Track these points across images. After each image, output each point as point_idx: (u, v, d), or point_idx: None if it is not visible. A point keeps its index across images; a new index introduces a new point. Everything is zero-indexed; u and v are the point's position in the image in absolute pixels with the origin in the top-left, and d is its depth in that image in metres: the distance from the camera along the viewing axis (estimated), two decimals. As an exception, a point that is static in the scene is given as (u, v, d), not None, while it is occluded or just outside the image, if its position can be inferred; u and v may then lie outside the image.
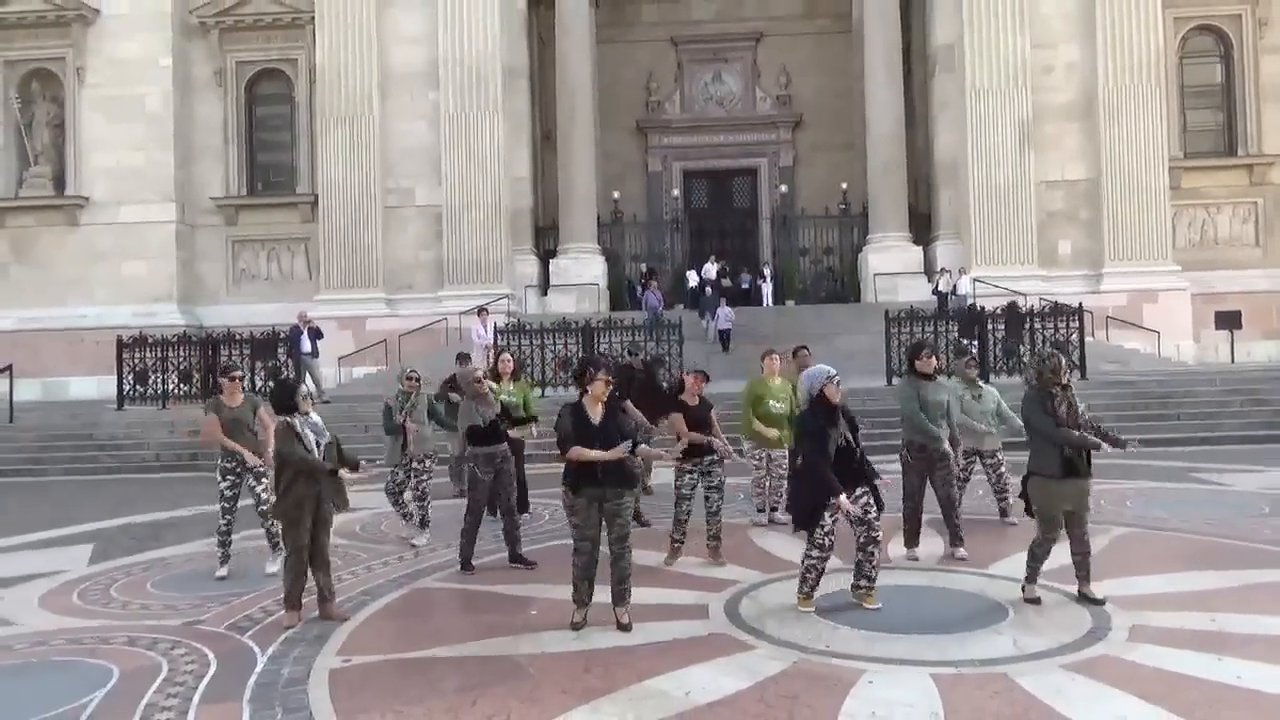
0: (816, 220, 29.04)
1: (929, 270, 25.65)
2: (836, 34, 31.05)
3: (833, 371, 6.21)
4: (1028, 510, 6.28)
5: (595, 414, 6.04)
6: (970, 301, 21.87)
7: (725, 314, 21.76)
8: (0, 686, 5.34)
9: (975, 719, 4.26)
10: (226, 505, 7.83)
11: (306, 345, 16.76)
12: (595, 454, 5.81)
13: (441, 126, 24.42)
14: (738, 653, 5.25)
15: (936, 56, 25.95)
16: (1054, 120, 24.71)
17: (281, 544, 6.79)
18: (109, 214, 25.00)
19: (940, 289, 22.99)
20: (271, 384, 14.37)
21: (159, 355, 17.11)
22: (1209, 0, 25.78)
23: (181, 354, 17.20)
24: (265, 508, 7.64)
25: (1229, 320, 25.27)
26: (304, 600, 6.34)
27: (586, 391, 6.14)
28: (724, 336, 21.57)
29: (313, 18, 24.67)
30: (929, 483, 7.64)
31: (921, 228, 27.08)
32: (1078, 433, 5.96)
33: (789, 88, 32.19)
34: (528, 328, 17.96)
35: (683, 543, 7.63)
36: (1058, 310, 17.16)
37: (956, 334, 16.11)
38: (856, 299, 26.16)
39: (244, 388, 8.28)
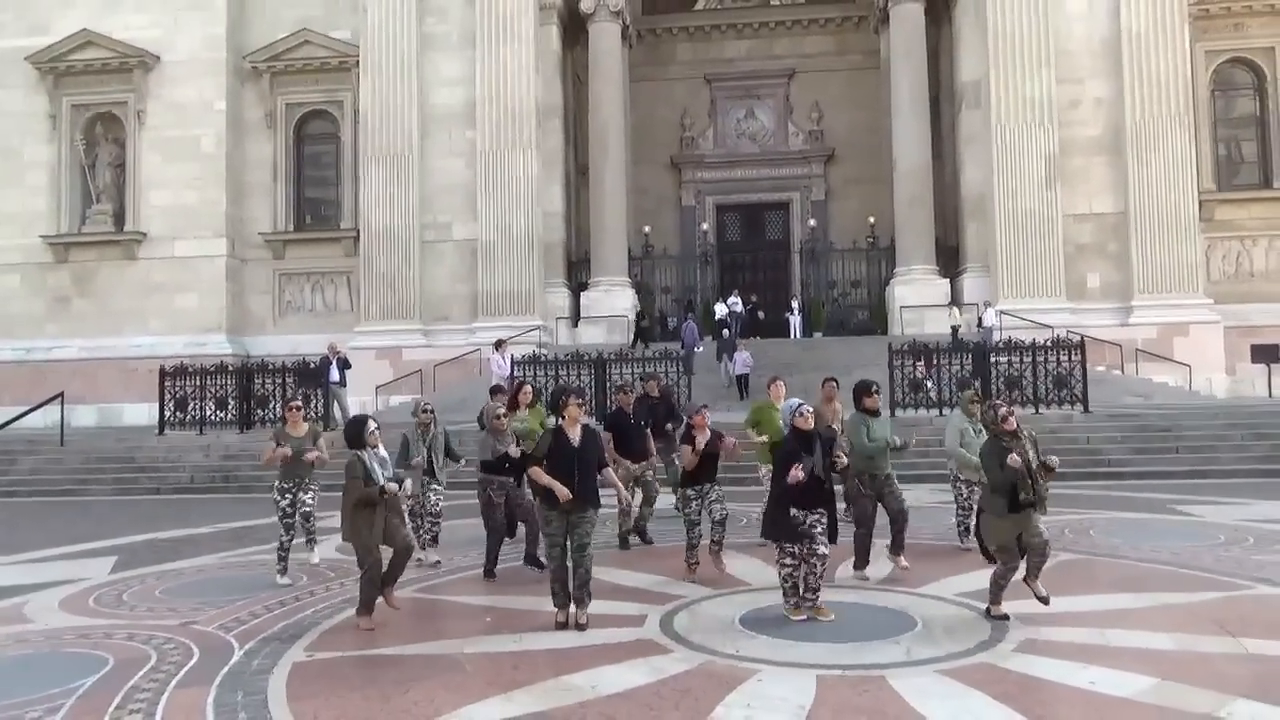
0: (845, 253, 29.41)
1: (956, 302, 25.86)
2: (868, 69, 31.55)
3: (800, 403, 6.84)
4: (984, 553, 6.64)
5: (574, 435, 6.76)
6: (997, 336, 22.03)
7: (743, 358, 21.07)
8: (10, 670, 6.06)
9: (837, 712, 4.70)
10: (288, 522, 8.59)
11: (335, 375, 17.60)
12: (548, 481, 6.52)
13: (478, 164, 25.40)
14: (655, 655, 5.74)
15: (963, 93, 26.30)
16: (1081, 154, 24.87)
17: (314, 539, 8.78)
18: (164, 249, 26.36)
19: (953, 324, 23.20)
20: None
21: (198, 384, 18.10)
22: (1241, 33, 25.75)
23: (219, 382, 18.17)
24: (308, 510, 8.72)
25: (1265, 353, 24.93)
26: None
27: (563, 417, 6.86)
28: (741, 382, 20.85)
29: (358, 61, 25.90)
30: (881, 508, 8.08)
31: (950, 261, 27.32)
32: (1022, 495, 6.23)
33: (821, 123, 32.74)
34: (542, 359, 18.63)
35: (698, 563, 8.15)
36: (1059, 344, 17.27)
37: (970, 369, 16.39)
38: (884, 331, 26.41)
39: (304, 417, 9.03)
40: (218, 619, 7.15)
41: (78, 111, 26.59)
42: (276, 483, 8.70)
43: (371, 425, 7.22)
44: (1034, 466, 6.29)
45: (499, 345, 20.30)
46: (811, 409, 6.87)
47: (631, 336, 23.72)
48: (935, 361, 16.71)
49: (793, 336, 27.45)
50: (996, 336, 21.74)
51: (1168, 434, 15.42)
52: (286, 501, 8.59)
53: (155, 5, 26.51)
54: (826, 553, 6.52)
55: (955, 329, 23.05)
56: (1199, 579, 7.41)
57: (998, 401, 7.13)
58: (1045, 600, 6.23)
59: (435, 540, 9.35)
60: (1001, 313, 23.76)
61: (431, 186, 25.75)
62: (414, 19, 25.59)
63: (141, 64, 26.32)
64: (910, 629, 6.12)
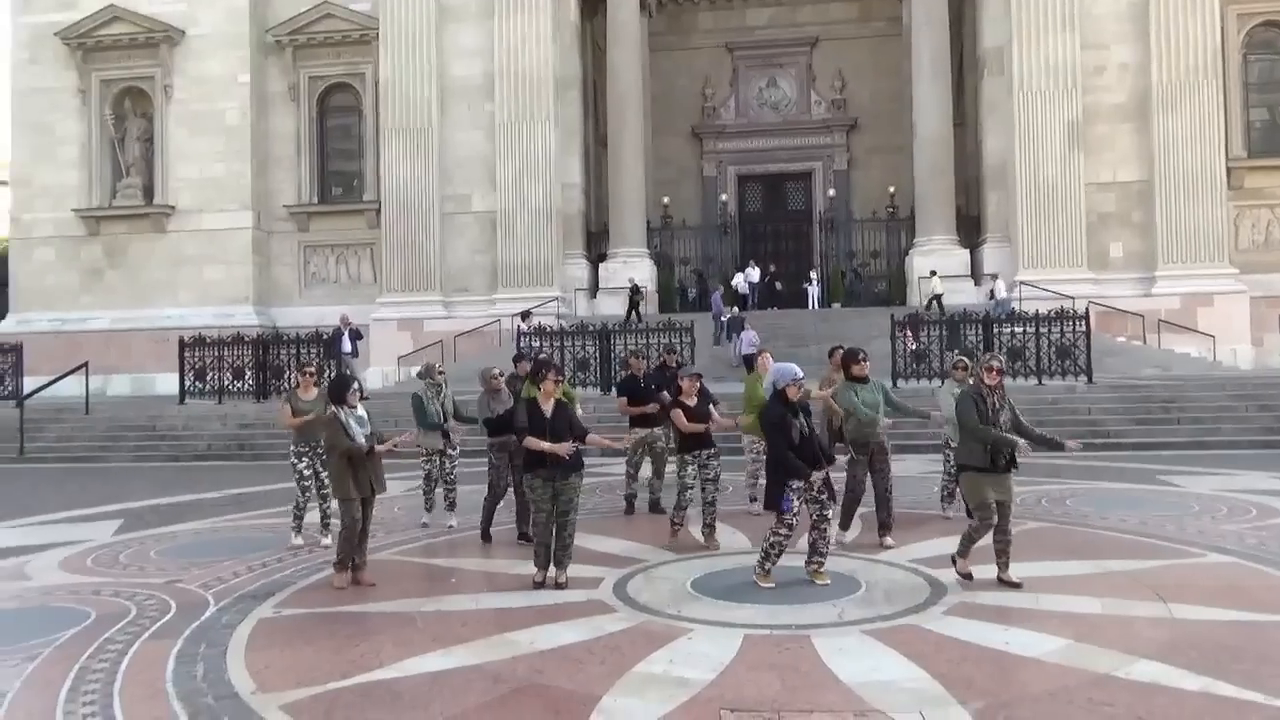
0: (865, 224, 29.26)
1: (976, 273, 25.69)
2: (892, 37, 31.18)
3: (800, 374, 6.81)
4: (969, 512, 6.77)
5: (547, 409, 6.99)
6: (1011, 307, 21.86)
7: (749, 338, 20.44)
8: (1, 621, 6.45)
9: (751, 667, 4.90)
10: (305, 485, 8.81)
11: (347, 345, 17.98)
12: (545, 445, 6.75)
13: (496, 135, 25.57)
14: (599, 615, 5.96)
15: (985, 60, 25.94)
16: (1105, 121, 24.50)
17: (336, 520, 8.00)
18: (193, 221, 26.93)
19: (935, 291, 23.25)
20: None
21: (216, 355, 18.60)
22: (1273, -4, 25.09)
23: (236, 353, 18.66)
24: (328, 490, 8.65)
25: (1294, 324, 24.51)
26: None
27: (539, 389, 7.13)
28: (748, 361, 20.05)
29: (378, 34, 26.10)
30: (870, 476, 8.20)
31: (971, 230, 27.08)
32: (996, 431, 6.40)
33: (844, 91, 32.47)
34: (548, 330, 18.87)
35: (681, 525, 8.35)
36: (1062, 314, 17.14)
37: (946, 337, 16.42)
38: (903, 302, 26.29)
39: (315, 383, 9.16)
40: (201, 578, 7.50)
41: (106, 86, 27.12)
42: (292, 446, 8.93)
43: (354, 385, 7.54)
44: (1005, 425, 6.40)
45: (525, 316, 20.54)
46: (803, 380, 6.85)
47: (626, 310, 23.68)
48: (920, 331, 16.66)
49: (811, 308, 27.42)
50: (1015, 307, 21.56)
51: (1170, 405, 15.31)
52: (304, 464, 8.81)
53: (180, -20, 26.88)
54: (831, 515, 6.67)
55: (938, 297, 22.93)
56: (1154, 547, 7.49)
57: (990, 355, 7.18)
58: (1018, 586, 6.29)
59: (453, 506, 9.63)
60: (1022, 283, 23.59)
61: (451, 159, 25.98)
62: (432, -10, 25.69)
63: (167, 39, 26.75)
64: (853, 592, 6.28)
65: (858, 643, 5.23)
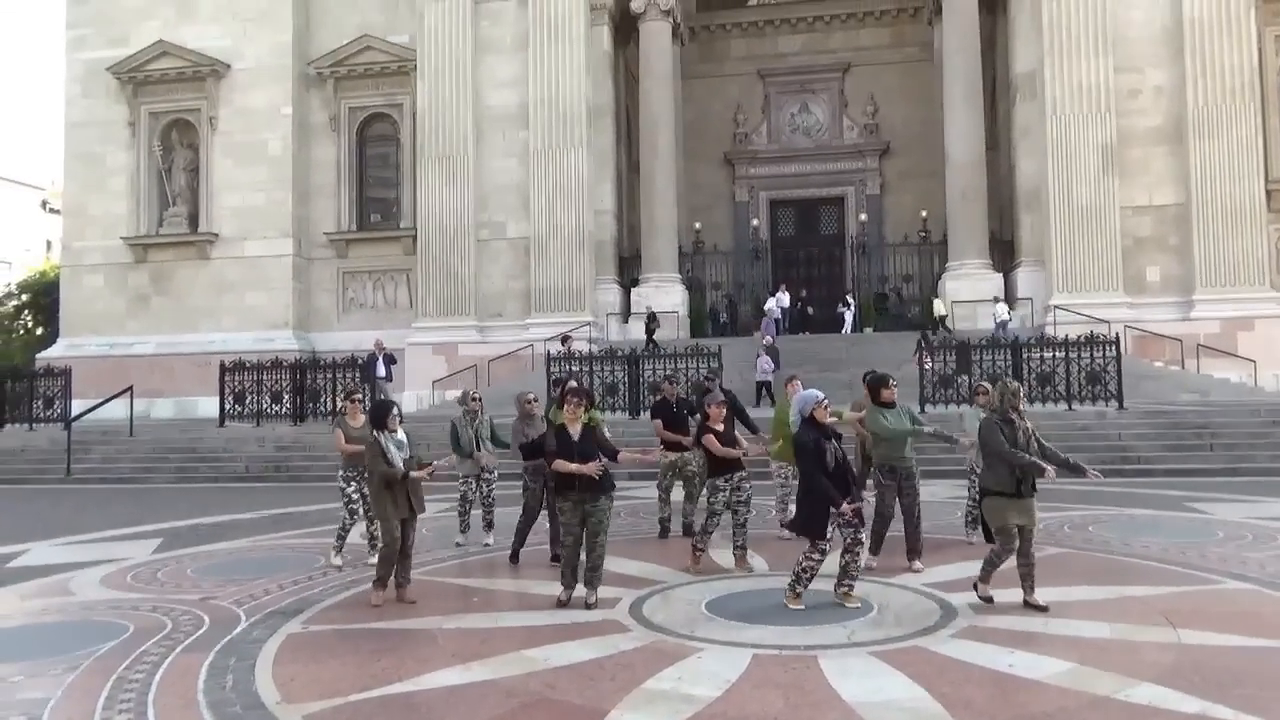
0: (897, 248, 29.26)
1: (1009, 297, 25.57)
2: (924, 62, 31.28)
3: (822, 396, 6.99)
4: (987, 536, 6.85)
5: (575, 432, 7.20)
6: (1013, 331, 21.80)
7: (764, 365, 20.43)
8: (45, 634, 6.77)
9: (757, 685, 5.02)
10: (353, 507, 9.06)
11: (381, 370, 18.37)
12: (574, 467, 6.95)
13: (530, 163, 26.01)
14: (614, 634, 6.12)
15: (1018, 84, 25.96)
16: (1141, 144, 24.36)
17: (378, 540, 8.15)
18: (235, 249, 27.64)
19: (939, 314, 23.64)
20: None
21: (255, 379, 19.08)
22: (1312, 16, 24.87)
23: (275, 377, 19.13)
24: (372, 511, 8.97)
25: (1338, 350, 24.06)
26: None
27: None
28: (761, 388, 20.07)
29: (416, 65, 26.71)
30: (898, 501, 8.28)
31: (1005, 255, 26.98)
32: (1026, 456, 6.50)
33: (876, 116, 32.58)
34: (577, 355, 19.11)
35: (704, 550, 8.30)
36: (1093, 339, 17.03)
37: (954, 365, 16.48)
38: (935, 328, 26.20)
39: (363, 409, 9.36)
40: (234, 595, 7.76)
41: (155, 119, 28.01)
42: (341, 471, 9.19)
43: (394, 410, 7.83)
44: (1033, 450, 6.52)
45: (565, 340, 20.82)
46: (827, 402, 6.99)
47: (646, 338, 23.94)
48: (930, 354, 16.87)
49: (845, 332, 27.41)
50: (1025, 332, 21.55)
51: (1203, 431, 15.15)
52: (352, 488, 9.04)
53: (226, 16, 27.76)
54: (865, 540, 6.77)
55: (942, 319, 22.88)
56: (1171, 573, 7.48)
57: (1016, 381, 7.22)
58: (1045, 609, 6.34)
59: (490, 526, 9.89)
60: (1057, 308, 23.47)
61: (486, 186, 26.44)
62: (469, 23, 26.29)
63: (213, 72, 27.60)
64: (865, 614, 6.37)
65: (864, 663, 5.34)
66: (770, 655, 5.52)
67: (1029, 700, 4.78)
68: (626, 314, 27.20)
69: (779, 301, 26.41)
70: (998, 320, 22.73)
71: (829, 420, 6.93)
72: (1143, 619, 6.15)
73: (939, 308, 23.34)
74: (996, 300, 23.76)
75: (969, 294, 25.34)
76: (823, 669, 5.23)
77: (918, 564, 8.00)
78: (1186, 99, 23.81)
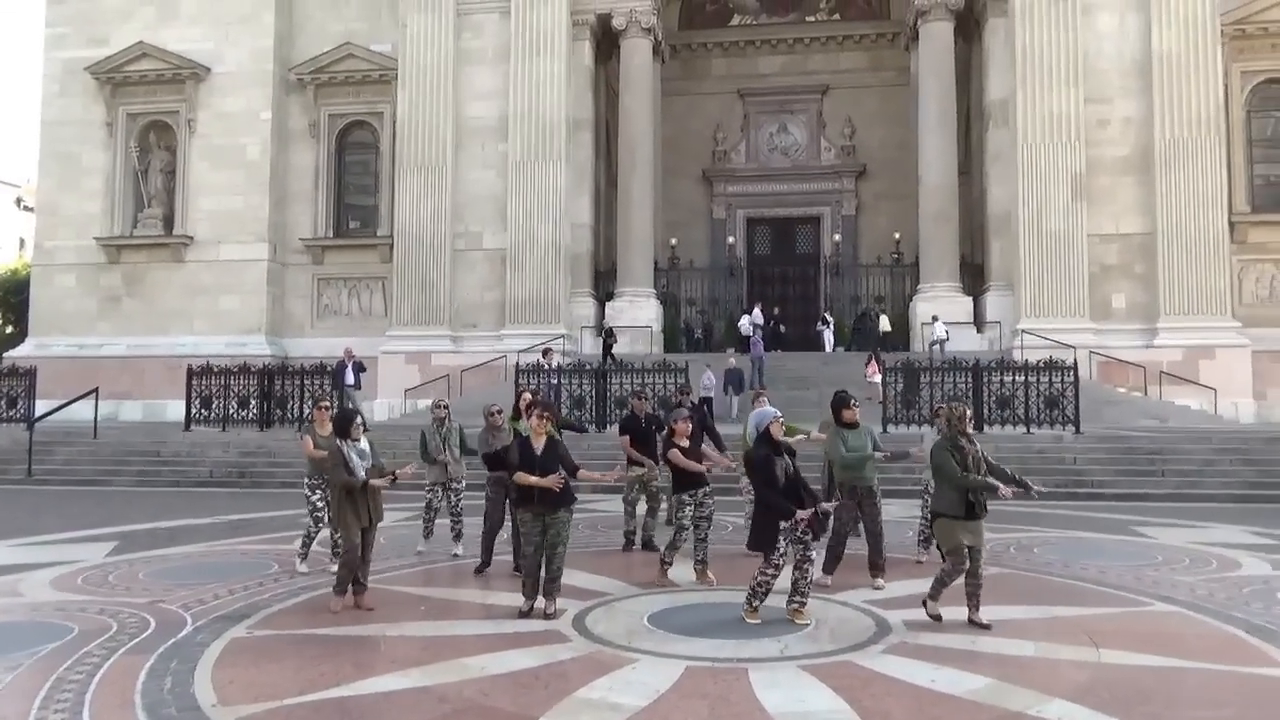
0: (870, 269, 29.59)
1: (978, 320, 25.92)
2: (901, 86, 31.67)
3: (776, 412, 7.20)
4: (943, 556, 7.00)
5: (538, 446, 7.32)
6: (949, 352, 22.08)
7: (705, 380, 20.36)
8: (-13, 636, 6.77)
9: (685, 695, 5.16)
10: (318, 515, 9.13)
11: (350, 378, 18.40)
12: (534, 480, 7.06)
13: (509, 175, 26.14)
14: (555, 644, 6.23)
15: (990, 111, 26.37)
16: (1109, 174, 24.79)
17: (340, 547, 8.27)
18: (210, 252, 27.60)
19: (883, 329, 24.08)
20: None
21: (222, 383, 19.06)
22: (1278, 53, 25.45)
23: (242, 382, 19.11)
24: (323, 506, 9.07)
25: (1298, 379, 24.53)
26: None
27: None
28: (703, 404, 19.61)
29: (398, 74, 26.82)
30: (859, 520, 8.43)
31: (976, 278, 27.33)
32: (978, 478, 6.68)
33: (853, 138, 32.96)
34: (544, 368, 19.19)
35: (670, 564, 8.41)
36: (1051, 365, 17.32)
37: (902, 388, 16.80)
38: (907, 348, 26.48)
39: (331, 417, 9.30)
40: (183, 599, 7.80)
41: (133, 120, 27.98)
42: (307, 479, 9.28)
43: (358, 420, 7.90)
44: (982, 471, 6.72)
45: (546, 353, 20.90)
46: (782, 419, 7.15)
47: (602, 354, 24.11)
48: (881, 368, 17.27)
49: (826, 350, 27.54)
50: (951, 350, 22.02)
51: (1155, 457, 15.43)
52: (318, 496, 9.12)
53: (207, 19, 27.81)
54: (814, 555, 6.89)
55: (885, 335, 23.23)
56: (1104, 595, 7.67)
57: (964, 402, 7.40)
58: (988, 628, 6.50)
59: (459, 536, 9.92)
60: (1024, 331, 23.81)
61: (464, 196, 26.55)
62: (451, 34, 26.45)
63: (193, 75, 27.61)
64: (802, 629, 6.51)
65: (792, 676, 5.47)
66: (703, 667, 5.64)
67: (944, 714, 4.93)
68: (600, 327, 27.30)
69: (753, 319, 26.56)
70: (934, 339, 23.01)
71: (782, 438, 7.08)
72: (1067, 638, 6.32)
73: (885, 324, 23.68)
74: (935, 319, 24.01)
75: (939, 315, 25.61)
76: (751, 681, 5.36)
77: (880, 581, 8.04)
78: (1154, 131, 24.27)
